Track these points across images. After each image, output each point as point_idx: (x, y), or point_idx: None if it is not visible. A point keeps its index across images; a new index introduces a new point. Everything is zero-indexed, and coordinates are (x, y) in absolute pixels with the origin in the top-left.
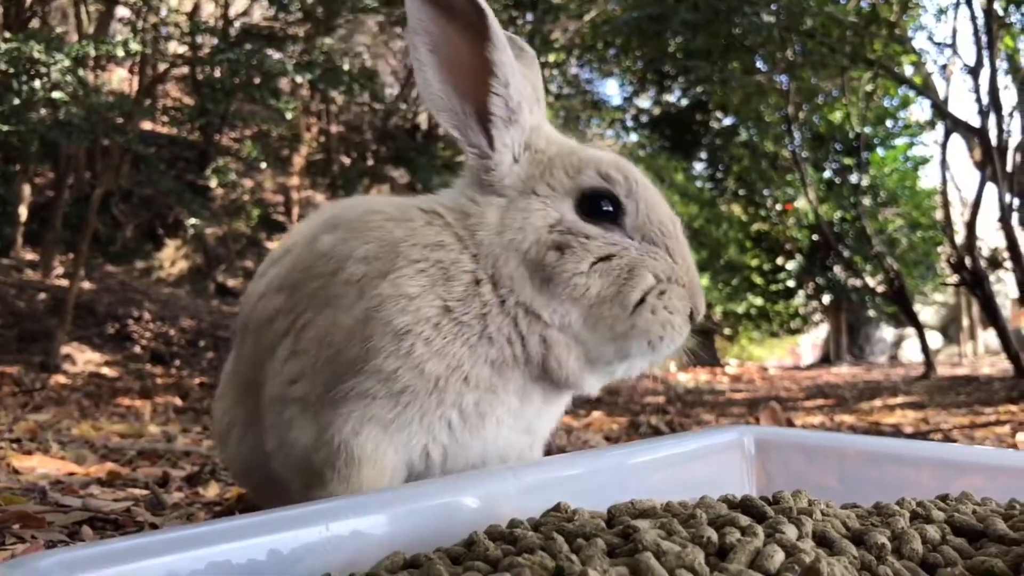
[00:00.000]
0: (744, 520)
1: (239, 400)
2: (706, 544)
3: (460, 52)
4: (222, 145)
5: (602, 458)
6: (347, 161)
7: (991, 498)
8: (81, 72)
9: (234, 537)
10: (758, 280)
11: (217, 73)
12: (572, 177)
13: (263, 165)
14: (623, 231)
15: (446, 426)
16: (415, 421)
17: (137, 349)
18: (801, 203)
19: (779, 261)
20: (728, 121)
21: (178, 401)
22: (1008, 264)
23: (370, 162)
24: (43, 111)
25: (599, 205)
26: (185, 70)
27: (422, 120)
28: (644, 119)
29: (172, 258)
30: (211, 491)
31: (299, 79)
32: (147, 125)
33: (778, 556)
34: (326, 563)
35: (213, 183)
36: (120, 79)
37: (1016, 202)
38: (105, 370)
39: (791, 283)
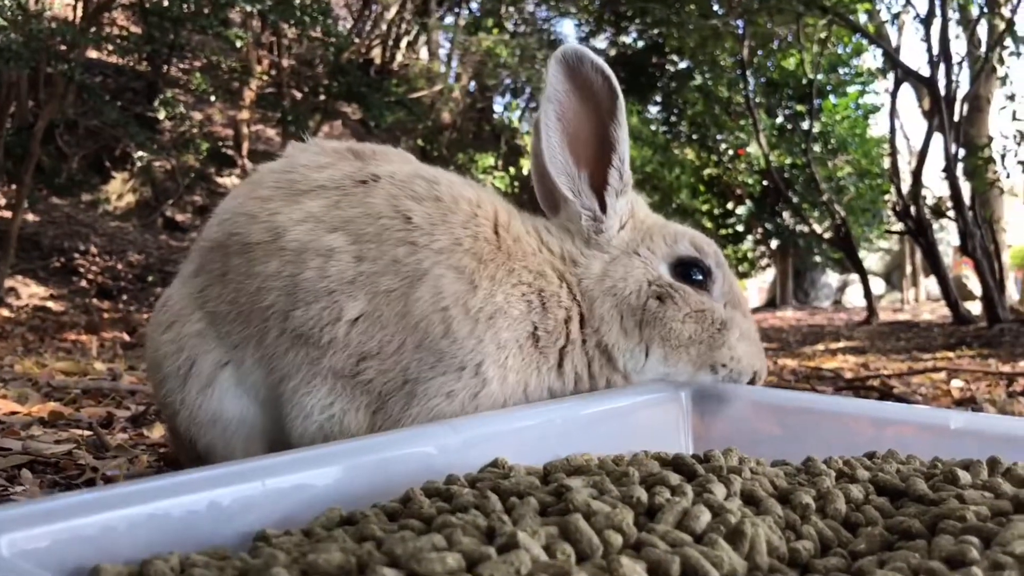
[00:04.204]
0: (674, 479)
1: (218, 335)
2: (635, 504)
3: (586, 125)
4: (170, 76)
5: (542, 412)
6: (299, 96)
7: (915, 456)
8: None
9: (171, 493)
10: (708, 224)
11: (165, 1)
12: (670, 245)
13: (212, 98)
14: (710, 295)
15: None
16: None
17: (83, 283)
18: (753, 149)
19: (729, 206)
20: (683, 65)
21: (126, 336)
22: (951, 213)
23: (322, 97)
24: None
25: (691, 272)
26: None
27: (375, 55)
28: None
29: (119, 191)
30: (156, 432)
31: (250, 9)
32: (92, 54)
33: (704, 517)
34: (263, 519)
35: (161, 115)
36: (63, 4)
37: (961, 152)
38: (50, 304)
39: (740, 228)
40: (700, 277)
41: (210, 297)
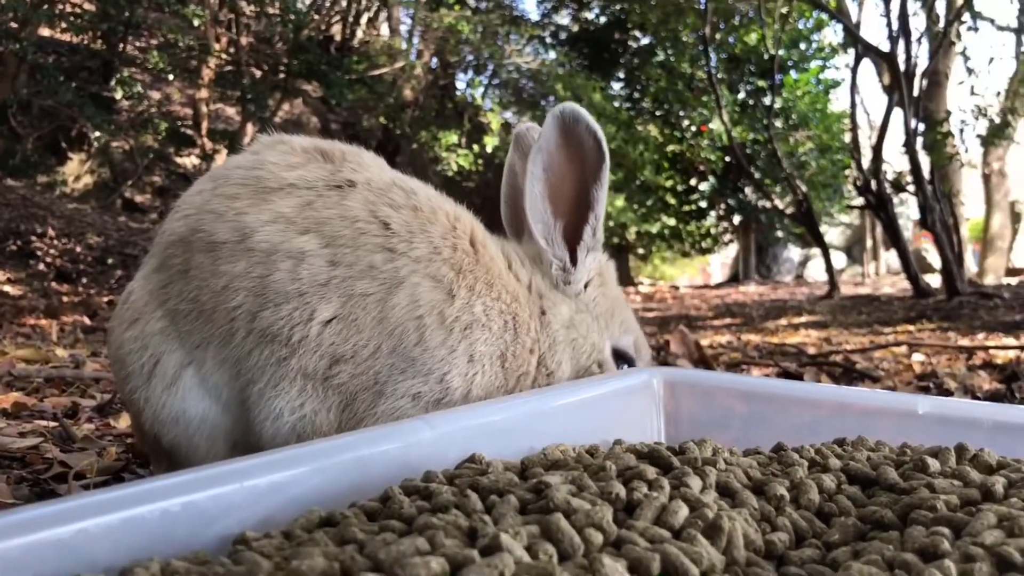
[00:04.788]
0: (651, 472)
1: (179, 334)
2: (614, 500)
3: (569, 180)
4: (127, 55)
5: (515, 404)
6: (258, 74)
7: (884, 443)
8: None
9: (147, 499)
10: (672, 200)
11: None
12: (619, 334)
13: (170, 77)
14: None
15: None
16: None
17: (41, 266)
18: (715, 125)
19: (692, 182)
20: (646, 41)
21: (86, 320)
22: (911, 187)
23: (282, 75)
24: None
25: (619, 364)
26: None
27: (335, 32)
28: (563, 36)
29: (76, 172)
30: (122, 423)
31: None
32: (45, 32)
33: (682, 512)
34: (242, 521)
35: (118, 95)
36: None
37: (921, 127)
38: (7, 288)
39: (703, 204)
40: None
41: (171, 294)
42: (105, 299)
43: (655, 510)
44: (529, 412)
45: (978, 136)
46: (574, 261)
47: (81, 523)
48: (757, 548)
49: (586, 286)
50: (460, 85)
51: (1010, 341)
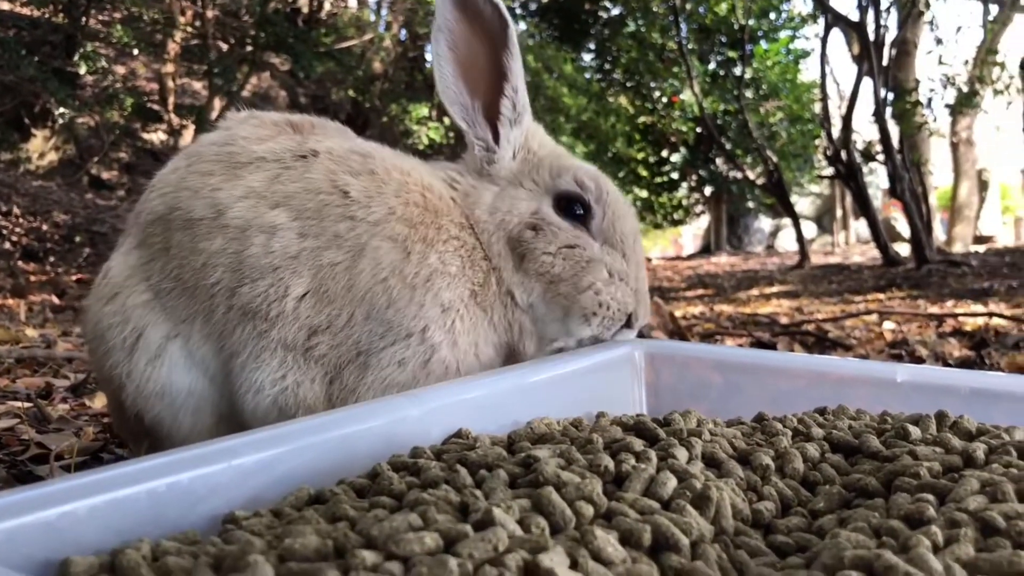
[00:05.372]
0: (638, 444)
1: (164, 308)
2: (603, 472)
3: (478, 54)
4: (90, 29)
5: (500, 379)
6: (225, 47)
7: (865, 411)
8: None
9: (135, 480)
10: (643, 172)
11: None
12: (553, 179)
13: (135, 51)
14: (589, 232)
15: None
16: None
17: (7, 245)
18: (686, 96)
19: (664, 154)
20: (616, 11)
21: (55, 299)
22: (880, 156)
23: (249, 48)
24: None
25: (572, 207)
26: None
27: (303, 4)
28: (532, 6)
29: (41, 149)
30: (98, 402)
31: None
32: (4, 5)
33: (671, 483)
34: (231, 501)
35: (82, 70)
36: None
37: (890, 96)
38: None
39: (675, 175)
40: (581, 212)
41: (154, 271)
42: (74, 278)
43: (644, 482)
44: (513, 386)
45: (946, 105)
46: (497, 139)
47: (67, 506)
48: (744, 517)
49: (515, 157)
50: (430, 57)
51: (978, 308)
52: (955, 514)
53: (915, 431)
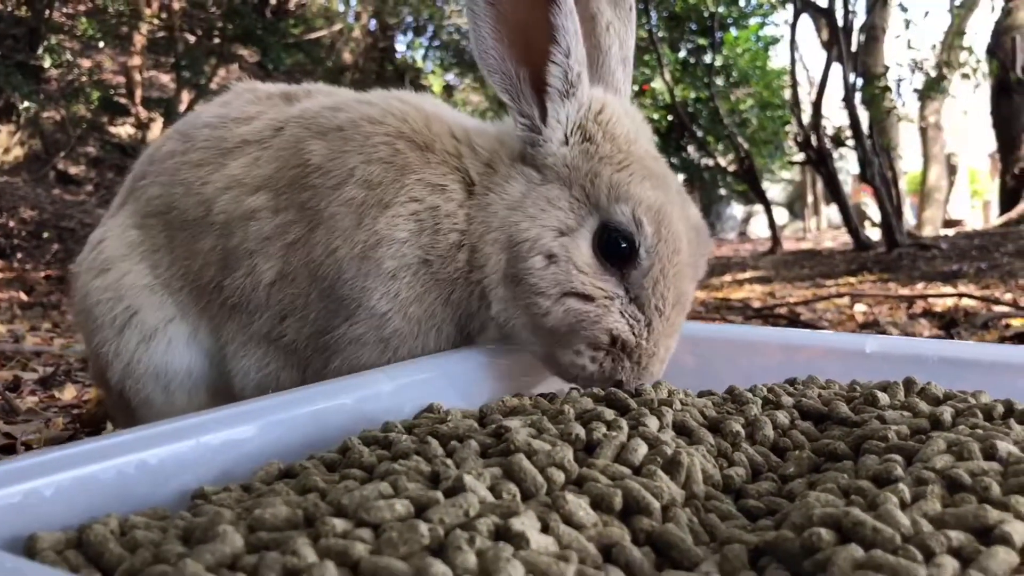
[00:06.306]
0: (609, 414)
1: (170, 292)
2: (575, 441)
3: (521, 10)
4: (54, 22)
5: (471, 355)
6: (192, 39)
7: (835, 380)
8: None
9: (102, 457)
10: None
11: None
12: (608, 200)
13: (101, 44)
14: (622, 279)
15: None
16: None
17: None
18: (657, 84)
19: None
20: None
21: (23, 296)
22: (850, 142)
23: (217, 40)
24: None
25: (616, 242)
26: None
27: None
28: None
29: (6, 144)
30: (67, 394)
31: None
32: None
33: (641, 450)
34: (200, 477)
35: (46, 63)
36: None
37: (859, 82)
38: None
39: None
40: (626, 251)
41: (160, 264)
42: (42, 274)
43: (615, 449)
44: (486, 362)
45: (915, 90)
46: (545, 117)
47: (31, 482)
48: (716, 483)
49: (565, 146)
50: (400, 47)
51: (948, 289)
52: (922, 472)
53: (883, 397)
